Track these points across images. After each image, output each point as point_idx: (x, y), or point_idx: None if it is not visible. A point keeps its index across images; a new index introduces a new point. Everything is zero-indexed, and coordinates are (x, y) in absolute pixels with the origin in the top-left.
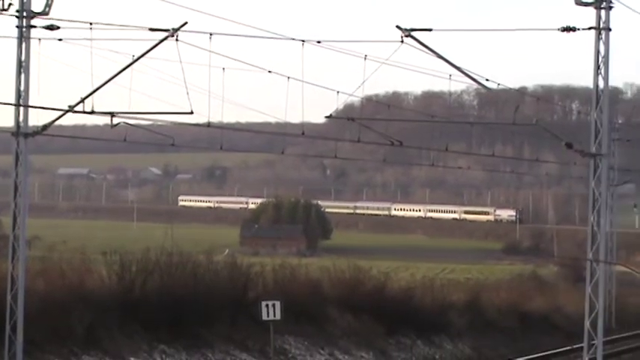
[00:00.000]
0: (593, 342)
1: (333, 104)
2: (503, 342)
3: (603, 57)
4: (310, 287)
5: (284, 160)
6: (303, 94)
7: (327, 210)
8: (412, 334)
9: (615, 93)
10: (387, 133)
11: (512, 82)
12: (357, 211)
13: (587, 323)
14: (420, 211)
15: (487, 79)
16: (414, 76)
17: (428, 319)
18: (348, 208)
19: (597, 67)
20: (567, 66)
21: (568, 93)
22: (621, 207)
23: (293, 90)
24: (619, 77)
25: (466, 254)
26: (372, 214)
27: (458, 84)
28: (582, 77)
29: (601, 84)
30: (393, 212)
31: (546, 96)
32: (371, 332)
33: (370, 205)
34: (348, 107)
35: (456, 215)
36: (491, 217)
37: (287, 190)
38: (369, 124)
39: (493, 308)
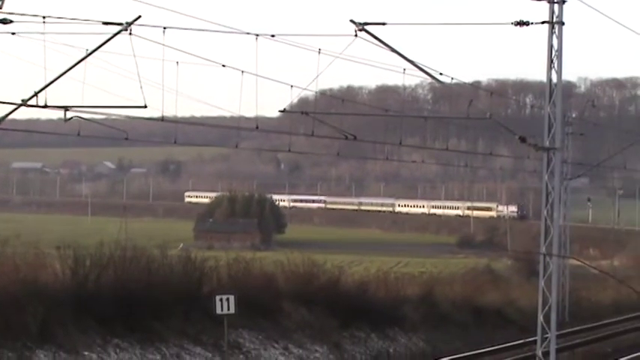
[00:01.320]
0: (547, 335)
1: (287, 98)
2: (457, 335)
3: (556, 51)
4: (264, 281)
5: (238, 154)
6: (257, 88)
7: (330, 206)
8: (366, 327)
9: (569, 87)
10: (342, 127)
11: (467, 76)
12: (362, 208)
13: (540, 317)
14: (423, 207)
15: (441, 73)
16: (368, 70)
17: (382, 313)
18: (352, 204)
19: (550, 62)
20: (521, 60)
21: (522, 87)
22: (575, 201)
23: (247, 84)
24: (573, 71)
25: (420, 248)
26: (376, 211)
27: (412, 78)
28: (536, 71)
29: (554, 78)
30: (397, 209)
31: (500, 90)
32: (325, 326)
33: (374, 201)
34: (303, 101)
35: (459, 212)
36: (494, 213)
37: (241, 184)
38: (323, 118)
39: (447, 302)
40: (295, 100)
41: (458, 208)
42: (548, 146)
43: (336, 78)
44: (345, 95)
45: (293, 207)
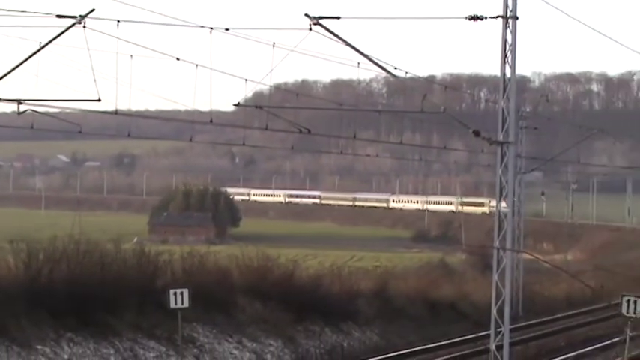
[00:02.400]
0: (500, 329)
1: (241, 92)
2: (412, 329)
3: (510, 46)
4: (219, 275)
5: (193, 148)
6: (212, 81)
7: (325, 202)
8: (320, 321)
9: (523, 81)
10: (296, 121)
11: (421, 71)
12: (357, 204)
13: (493, 310)
14: (417, 202)
15: (395, 68)
16: (323, 64)
17: (336, 307)
18: (347, 200)
19: (504, 56)
20: (476, 54)
21: (476, 81)
22: (529, 195)
23: (201, 78)
24: (527, 66)
25: (375, 242)
26: (370, 207)
27: (367, 72)
28: (490, 66)
29: (508, 73)
30: (392, 204)
31: (455, 84)
32: (279, 320)
33: (370, 197)
34: (257, 95)
35: (452, 207)
36: (486, 209)
37: (196, 177)
38: (277, 112)
39: (401, 296)
40: (250, 94)
41: (452, 204)
42: (502, 140)
43: (290, 72)
44: (300, 89)
45: (289, 202)
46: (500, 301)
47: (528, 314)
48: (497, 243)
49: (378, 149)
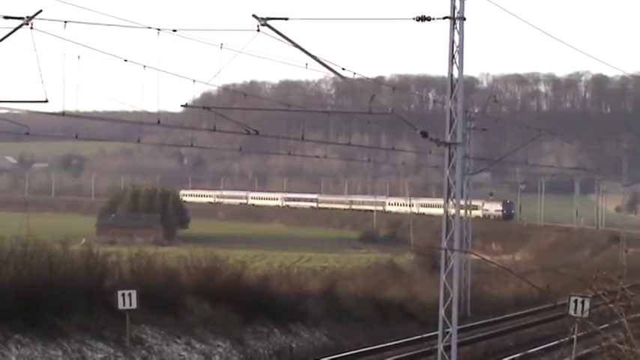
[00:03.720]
0: (448, 330)
1: (189, 93)
2: (360, 330)
3: (458, 46)
4: (167, 276)
5: (141, 149)
6: (160, 82)
7: (322, 205)
8: (269, 322)
9: (471, 82)
10: (244, 122)
11: (370, 72)
12: (354, 207)
13: (441, 311)
14: (412, 206)
15: (343, 68)
16: (271, 65)
17: (284, 308)
18: (344, 203)
19: (452, 57)
20: (424, 55)
21: (425, 82)
22: (477, 195)
23: (149, 79)
24: (475, 67)
25: (323, 243)
26: (368, 210)
27: (315, 73)
28: (438, 67)
29: (456, 73)
30: (387, 207)
31: (403, 85)
32: (228, 321)
33: (365, 199)
34: (205, 96)
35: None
36: (479, 213)
37: (144, 179)
38: (225, 113)
39: (349, 297)
40: (198, 95)
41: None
42: (450, 141)
43: (239, 73)
44: (248, 90)
45: (286, 206)
46: (448, 302)
47: (476, 315)
48: (445, 244)
49: (327, 150)
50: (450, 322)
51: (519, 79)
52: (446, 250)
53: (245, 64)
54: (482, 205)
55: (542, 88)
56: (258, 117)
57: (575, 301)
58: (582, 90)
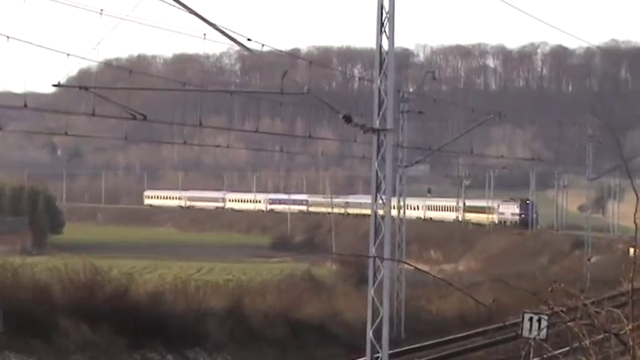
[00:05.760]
0: (377, 355)
1: (63, 70)
2: (271, 354)
3: (388, 12)
4: (37, 292)
5: (5, 138)
6: (27, 57)
7: (312, 209)
8: (161, 347)
9: (405, 56)
10: (130, 104)
11: (283, 44)
12: (349, 211)
13: (369, 332)
14: (417, 209)
15: (249, 39)
16: (162, 36)
17: (180, 330)
18: (338, 206)
19: (381, 25)
20: (348, 24)
21: (349, 56)
22: (413, 192)
23: (14, 53)
24: (409, 37)
25: (227, 251)
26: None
27: (216, 45)
28: (365, 37)
29: (386, 45)
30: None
31: (323, 59)
32: (111, 345)
33: (363, 201)
34: (83, 74)
35: (454, 215)
36: (495, 217)
37: (9, 174)
38: (107, 94)
39: (258, 315)
40: (74, 73)
41: (454, 210)
42: (379, 127)
43: (124, 45)
44: (135, 66)
45: (271, 210)
46: (377, 321)
47: (412, 336)
48: (373, 251)
49: (230, 139)
50: (380, 346)
51: (463, 52)
52: (374, 258)
53: (131, 35)
54: (498, 207)
55: (491, 62)
56: (148, 99)
57: (530, 319)
58: (538, 65)
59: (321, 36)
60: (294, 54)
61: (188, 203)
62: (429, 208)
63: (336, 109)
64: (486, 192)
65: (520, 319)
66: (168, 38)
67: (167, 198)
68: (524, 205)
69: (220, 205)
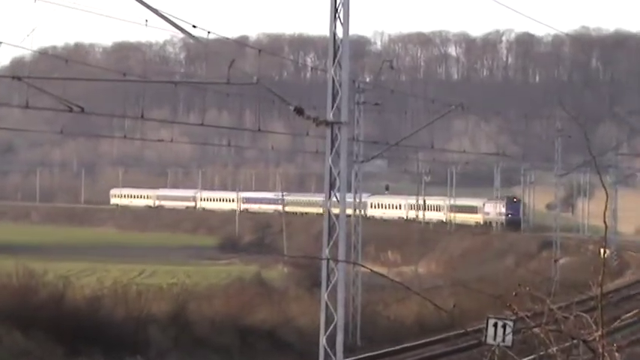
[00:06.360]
0: None
1: None
2: None
3: None
4: None
5: None
6: None
7: (289, 209)
8: (100, 355)
9: (361, 44)
10: (67, 96)
11: (230, 31)
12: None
13: (322, 339)
14: (399, 208)
15: (194, 26)
16: (101, 23)
17: (120, 337)
18: (315, 205)
19: (335, 11)
20: (300, 10)
21: (301, 44)
22: (370, 189)
23: None
24: (366, 24)
25: (170, 252)
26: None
27: (159, 32)
28: (318, 24)
29: (340, 32)
30: (369, 211)
31: (273, 48)
32: (47, 353)
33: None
34: (16, 63)
35: (441, 214)
36: (480, 218)
37: None
38: (42, 85)
39: (205, 321)
40: (6, 62)
41: (440, 210)
42: (333, 120)
43: (60, 33)
44: (72, 55)
45: (245, 210)
46: (331, 327)
47: (369, 344)
48: (326, 252)
49: (174, 132)
50: (334, 354)
51: (423, 40)
52: (328, 260)
53: (67, 22)
54: (483, 206)
55: (453, 50)
56: (86, 90)
57: (495, 325)
58: (503, 53)
59: (272, 23)
60: (242, 42)
61: (157, 203)
62: (411, 207)
63: (287, 101)
64: (448, 189)
65: (484, 325)
66: (107, 25)
67: (135, 197)
68: (511, 203)
69: (191, 204)
